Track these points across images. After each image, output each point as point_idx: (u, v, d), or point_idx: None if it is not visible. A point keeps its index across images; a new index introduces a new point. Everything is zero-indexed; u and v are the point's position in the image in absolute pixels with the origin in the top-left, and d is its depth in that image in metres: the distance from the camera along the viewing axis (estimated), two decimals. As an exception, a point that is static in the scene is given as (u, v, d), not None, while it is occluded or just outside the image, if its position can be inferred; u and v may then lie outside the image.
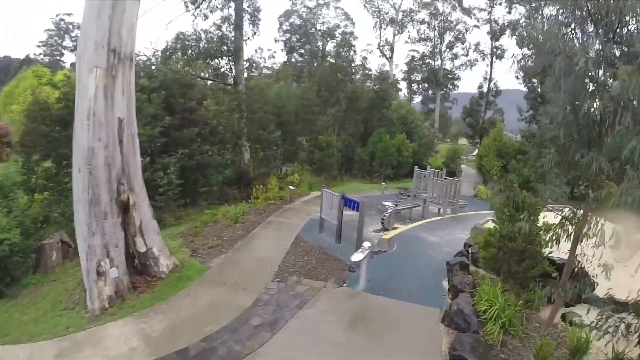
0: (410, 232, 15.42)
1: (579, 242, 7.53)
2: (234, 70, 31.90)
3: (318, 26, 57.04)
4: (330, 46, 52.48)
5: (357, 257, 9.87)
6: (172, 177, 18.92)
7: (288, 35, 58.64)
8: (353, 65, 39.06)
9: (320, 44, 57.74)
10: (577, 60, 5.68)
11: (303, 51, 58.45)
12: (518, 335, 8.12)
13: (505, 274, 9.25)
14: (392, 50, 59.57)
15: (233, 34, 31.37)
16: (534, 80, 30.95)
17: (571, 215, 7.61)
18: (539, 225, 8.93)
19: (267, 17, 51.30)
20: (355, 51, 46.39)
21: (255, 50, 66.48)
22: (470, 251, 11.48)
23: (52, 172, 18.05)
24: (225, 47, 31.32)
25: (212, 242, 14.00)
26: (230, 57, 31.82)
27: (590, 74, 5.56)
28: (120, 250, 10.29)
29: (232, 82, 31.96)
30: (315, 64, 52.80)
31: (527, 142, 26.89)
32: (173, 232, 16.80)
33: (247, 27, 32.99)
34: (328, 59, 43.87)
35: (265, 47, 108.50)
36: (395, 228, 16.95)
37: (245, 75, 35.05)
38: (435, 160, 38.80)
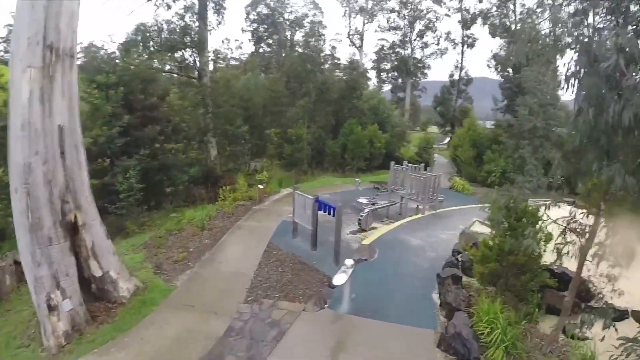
0: (390, 235, 14.53)
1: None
2: (198, 63, 30.29)
3: (286, 15, 55.77)
4: (299, 36, 51.40)
5: (340, 279, 8.83)
6: (133, 181, 17.55)
7: (255, 25, 57.39)
8: (322, 54, 37.93)
9: (288, 33, 56.46)
10: (603, 57, 4.80)
11: (271, 41, 57.08)
12: (522, 358, 7.40)
13: (502, 287, 8.53)
14: (361, 39, 58.68)
15: (197, 24, 29.82)
16: (509, 70, 30.74)
17: (575, 224, 6.88)
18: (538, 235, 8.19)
19: (233, 6, 49.63)
20: (324, 40, 45.45)
21: (222, 41, 64.80)
22: (460, 259, 10.70)
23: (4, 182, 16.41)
24: (188, 38, 29.72)
25: (178, 256, 12.86)
26: (194, 49, 30.21)
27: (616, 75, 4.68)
28: (73, 279, 9.05)
29: (197, 75, 30.34)
30: (283, 54, 51.51)
31: (504, 132, 26.58)
32: (136, 242, 15.57)
33: (211, 16, 31.46)
34: (297, 48, 42.55)
35: (232, 37, 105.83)
36: (373, 228, 16.18)
37: (211, 67, 33.57)
38: (408, 151, 38.33)
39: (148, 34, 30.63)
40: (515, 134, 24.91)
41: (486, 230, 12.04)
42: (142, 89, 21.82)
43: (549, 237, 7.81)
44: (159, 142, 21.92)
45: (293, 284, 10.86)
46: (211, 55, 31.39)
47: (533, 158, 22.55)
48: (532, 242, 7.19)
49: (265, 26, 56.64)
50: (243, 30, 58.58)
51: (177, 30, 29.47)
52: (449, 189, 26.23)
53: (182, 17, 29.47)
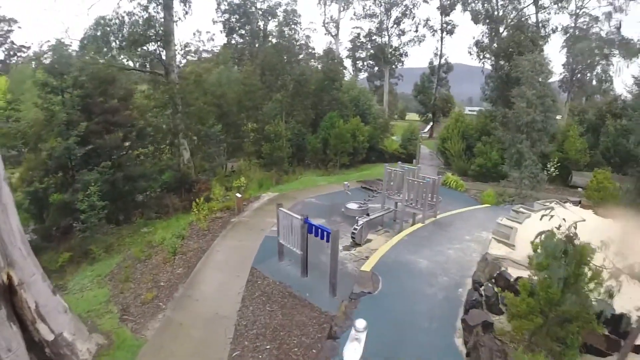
0: (392, 255, 12.63)
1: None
2: (164, 57, 27.95)
3: (259, 4, 53.26)
4: (272, 26, 49.10)
5: (352, 353, 6.66)
6: (94, 199, 15.54)
7: (227, 16, 54.71)
8: (297, 44, 35.90)
9: (261, 23, 53.92)
10: None
11: (243, 32, 54.50)
12: None
13: (543, 337, 6.97)
14: (337, 27, 56.65)
15: (162, 15, 27.47)
16: (491, 58, 29.45)
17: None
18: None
19: (204, -4, 46.94)
20: (299, 30, 43.31)
21: (194, 34, 61.71)
22: (483, 293, 9.01)
23: None
24: (153, 31, 27.31)
25: (146, 295, 10.98)
26: (159, 43, 27.85)
27: None
28: (19, 352, 7.11)
29: (164, 71, 28.02)
30: (257, 45, 49.15)
31: (499, 125, 25.23)
32: (102, 270, 13.70)
33: (177, 6, 29.16)
34: (270, 39, 40.41)
35: (204, 29, 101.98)
36: (368, 240, 14.60)
37: (180, 61, 31.19)
38: (392, 143, 36.89)
39: (108, 28, 28.17)
40: (512, 128, 24.00)
41: (505, 249, 10.56)
42: (102, 91, 19.61)
43: (596, 276, 6.25)
44: (124, 149, 19.84)
45: (285, 329, 9.12)
46: (179, 48, 28.92)
47: (531, 152, 21.46)
48: (607, 305, 5.64)
49: (237, 16, 53.93)
50: (214, 22, 55.86)
51: (141, 22, 27.05)
52: (442, 186, 24.85)
53: (145, 8, 27.05)
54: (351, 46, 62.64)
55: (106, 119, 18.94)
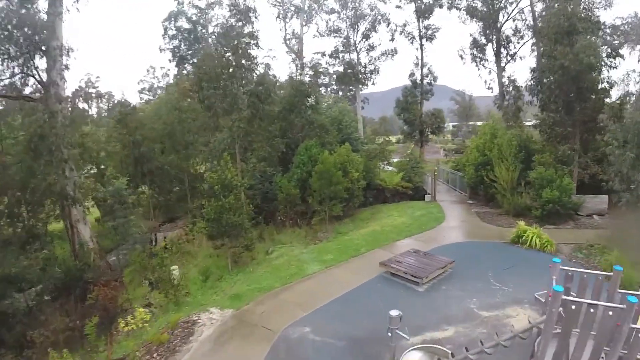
0: None
1: None
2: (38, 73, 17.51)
3: (211, 29, 44.28)
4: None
5: None
6: None
7: (176, 42, 45.97)
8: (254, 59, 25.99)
9: (214, 49, 44.49)
10: None
11: (195, 60, 45.25)
12: None
13: None
14: (300, 43, 47.37)
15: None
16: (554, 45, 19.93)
17: None
18: None
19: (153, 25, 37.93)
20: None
21: (147, 70, 53.07)
22: None
23: None
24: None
25: None
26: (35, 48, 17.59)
27: None
28: None
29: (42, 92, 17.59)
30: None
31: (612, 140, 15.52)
32: None
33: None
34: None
35: (158, 65, 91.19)
36: None
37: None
38: (393, 176, 26.84)
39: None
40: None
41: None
42: None
43: None
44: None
45: None
46: (65, 57, 18.35)
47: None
48: None
49: (188, 43, 46.00)
50: (161, 49, 47.01)
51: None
52: (510, 244, 14.87)
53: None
54: (312, 73, 53.78)
55: None
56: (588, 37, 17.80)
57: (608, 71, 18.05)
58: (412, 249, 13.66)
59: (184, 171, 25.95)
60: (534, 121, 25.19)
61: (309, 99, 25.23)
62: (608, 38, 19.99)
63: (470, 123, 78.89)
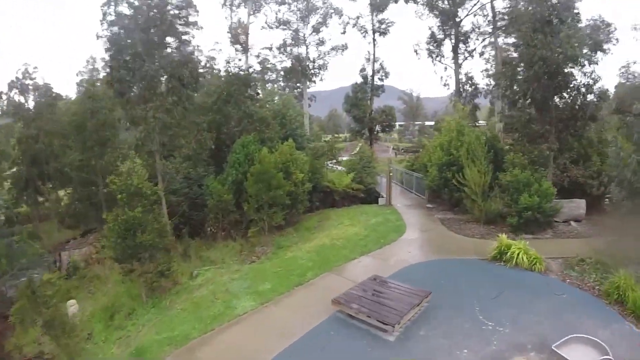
0: None
1: None
2: None
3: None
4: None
5: None
6: None
7: (116, 29, 40.06)
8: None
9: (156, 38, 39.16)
10: None
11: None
12: None
13: None
14: (247, 35, 43.20)
15: None
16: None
17: None
18: None
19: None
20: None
21: (87, 61, 46.85)
22: None
23: None
24: None
25: None
26: None
27: None
28: None
29: None
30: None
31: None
32: None
33: None
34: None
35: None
36: None
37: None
38: (341, 178, 23.69)
39: None
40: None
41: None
42: None
43: None
44: None
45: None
46: None
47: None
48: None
49: (128, 31, 40.10)
50: (98, 37, 40.63)
51: None
52: (491, 262, 12.05)
53: None
54: (260, 68, 50.03)
55: None
56: (570, 28, 15.57)
57: (589, 65, 15.79)
58: (373, 276, 10.42)
59: (98, 173, 21.49)
60: (496, 119, 23.01)
61: (249, 89, 21.68)
62: (588, 31, 17.86)
63: (418, 123, 78.39)
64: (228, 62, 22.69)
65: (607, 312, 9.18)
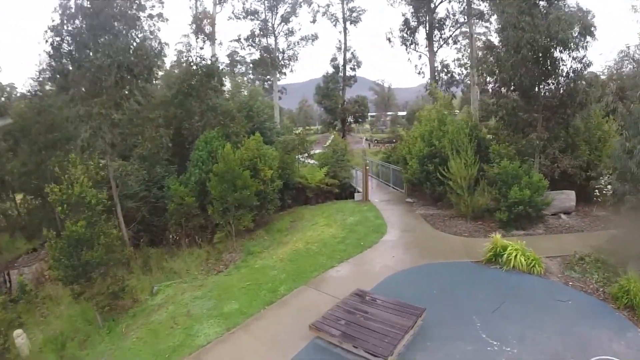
0: None
1: None
2: None
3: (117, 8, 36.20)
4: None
5: None
6: None
7: (78, 23, 36.87)
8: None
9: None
10: None
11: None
12: None
13: None
14: (213, 25, 40.83)
15: None
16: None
17: None
18: None
19: None
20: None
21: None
22: None
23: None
24: None
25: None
26: None
27: None
28: None
29: None
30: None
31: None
32: None
33: None
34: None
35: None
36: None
37: None
38: (314, 173, 22.16)
39: None
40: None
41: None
42: None
43: None
44: None
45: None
46: None
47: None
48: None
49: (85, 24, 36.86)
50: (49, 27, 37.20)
51: None
52: (485, 265, 10.80)
53: None
54: (229, 61, 47.82)
55: None
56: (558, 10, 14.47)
57: (579, 49, 14.72)
58: (356, 291, 8.95)
59: (49, 179, 19.24)
60: (472, 108, 21.87)
61: (213, 80, 19.88)
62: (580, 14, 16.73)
63: (390, 113, 77.86)
64: (188, 51, 20.86)
65: (617, 320, 8.08)
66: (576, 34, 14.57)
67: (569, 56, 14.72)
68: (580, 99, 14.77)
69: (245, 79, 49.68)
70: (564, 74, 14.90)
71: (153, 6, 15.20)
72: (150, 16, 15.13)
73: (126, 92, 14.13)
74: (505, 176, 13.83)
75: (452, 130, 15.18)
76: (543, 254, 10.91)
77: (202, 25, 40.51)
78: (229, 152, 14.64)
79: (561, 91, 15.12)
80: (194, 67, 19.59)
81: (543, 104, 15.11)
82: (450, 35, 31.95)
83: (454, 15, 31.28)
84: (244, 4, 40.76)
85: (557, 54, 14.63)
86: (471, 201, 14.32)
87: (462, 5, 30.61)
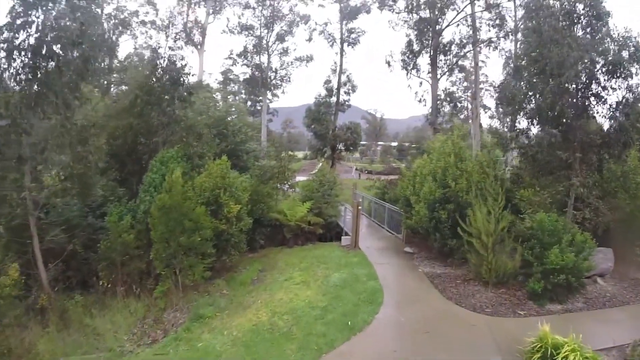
0: None
1: None
2: None
3: (108, 9, 33.26)
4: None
5: None
6: None
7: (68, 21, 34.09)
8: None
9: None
10: None
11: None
12: None
13: None
14: (203, 35, 37.77)
15: None
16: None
17: None
18: None
19: None
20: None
21: None
22: None
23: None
24: None
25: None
26: None
27: None
28: None
29: None
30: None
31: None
32: None
33: None
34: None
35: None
36: None
37: None
38: (295, 209, 18.38)
39: None
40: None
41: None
42: None
43: None
44: None
45: None
46: None
47: None
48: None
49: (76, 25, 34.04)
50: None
51: None
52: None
53: None
54: (222, 79, 45.09)
55: None
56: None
57: (632, 76, 11.77)
58: None
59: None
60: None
61: (179, 88, 16.52)
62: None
63: (381, 143, 75.64)
64: (156, 50, 17.56)
65: None
66: (626, 57, 11.64)
67: (621, 84, 11.73)
68: (626, 137, 11.73)
69: (237, 97, 47.01)
70: (614, 105, 11.86)
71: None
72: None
73: (37, 90, 10.55)
74: (541, 233, 10.47)
75: (474, 169, 11.82)
76: (597, 346, 7.60)
77: (192, 35, 37.54)
78: (177, 180, 11.02)
79: (608, 126, 12.07)
80: (159, 70, 16.27)
81: (584, 141, 12.00)
82: (456, 62, 29.23)
83: (461, 41, 28.58)
84: (239, 17, 37.71)
85: (603, 80, 11.70)
86: (496, 263, 10.84)
87: (470, 29, 27.94)
